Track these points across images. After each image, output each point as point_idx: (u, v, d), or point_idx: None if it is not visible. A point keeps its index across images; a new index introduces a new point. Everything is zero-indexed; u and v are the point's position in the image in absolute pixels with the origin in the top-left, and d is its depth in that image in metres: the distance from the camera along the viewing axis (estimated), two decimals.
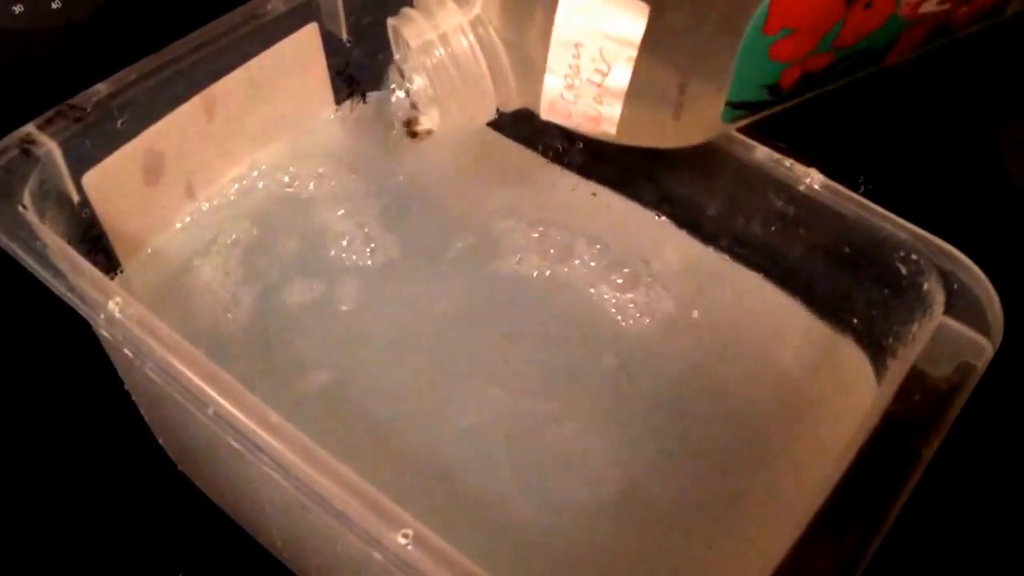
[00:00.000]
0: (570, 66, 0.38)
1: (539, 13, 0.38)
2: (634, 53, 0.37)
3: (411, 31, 0.42)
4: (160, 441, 0.49)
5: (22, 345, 0.53)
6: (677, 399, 0.45)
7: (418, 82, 0.44)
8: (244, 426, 0.32)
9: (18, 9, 0.54)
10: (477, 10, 0.41)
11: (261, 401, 0.33)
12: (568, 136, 0.52)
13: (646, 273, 0.50)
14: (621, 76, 0.38)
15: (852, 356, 0.46)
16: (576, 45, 0.37)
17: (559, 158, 0.54)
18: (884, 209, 0.43)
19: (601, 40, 0.37)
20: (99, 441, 0.51)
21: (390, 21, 0.44)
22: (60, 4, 0.56)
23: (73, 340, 0.44)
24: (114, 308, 0.35)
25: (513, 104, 0.44)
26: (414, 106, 0.45)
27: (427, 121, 0.45)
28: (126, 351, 0.35)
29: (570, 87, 0.39)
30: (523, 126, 0.53)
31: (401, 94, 0.45)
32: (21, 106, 0.42)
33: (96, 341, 0.42)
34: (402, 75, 0.45)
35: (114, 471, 0.50)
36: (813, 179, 0.44)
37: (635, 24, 0.36)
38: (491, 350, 0.46)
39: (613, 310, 0.49)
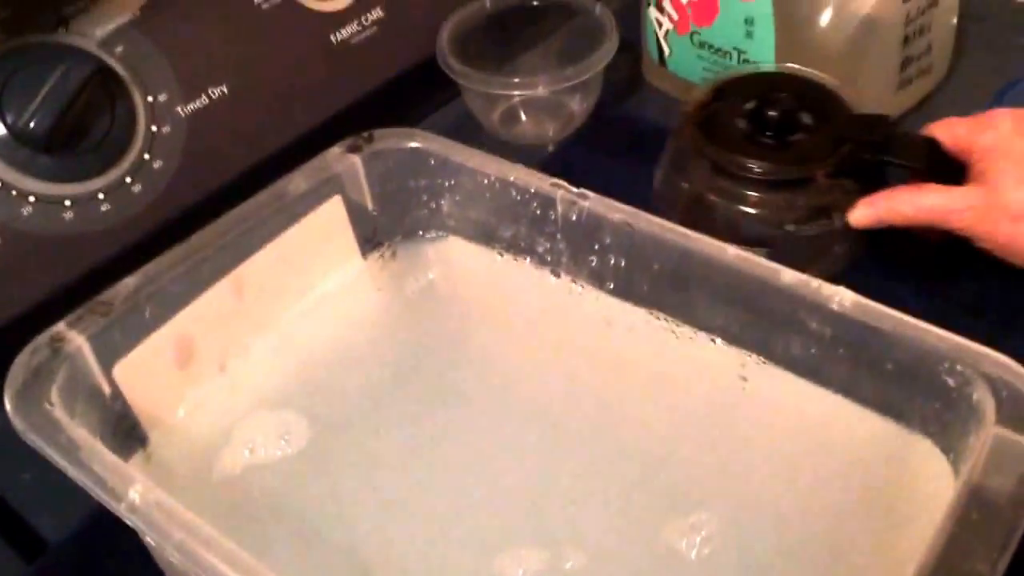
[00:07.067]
0: None
1: None
2: None
3: None
4: None
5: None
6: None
7: None
8: None
9: (68, 216, 0.56)
10: None
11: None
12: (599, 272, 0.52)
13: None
14: None
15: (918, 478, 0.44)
16: None
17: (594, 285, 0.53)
18: (920, 320, 0.41)
19: None
20: None
21: None
22: (109, 206, 0.58)
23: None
24: (134, 496, 0.35)
25: None
26: None
27: None
28: (147, 539, 0.35)
29: None
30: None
31: None
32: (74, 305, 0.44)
33: None
34: None
35: None
36: (843, 297, 0.43)
37: None
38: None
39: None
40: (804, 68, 0.59)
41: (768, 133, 0.54)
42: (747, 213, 0.54)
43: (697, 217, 0.48)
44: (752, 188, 0.53)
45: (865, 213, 0.51)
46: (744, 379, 0.49)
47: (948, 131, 0.52)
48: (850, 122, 0.53)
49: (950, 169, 0.52)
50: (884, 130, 0.53)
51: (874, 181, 0.53)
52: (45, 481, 0.49)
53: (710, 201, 0.55)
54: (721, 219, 0.50)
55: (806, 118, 0.54)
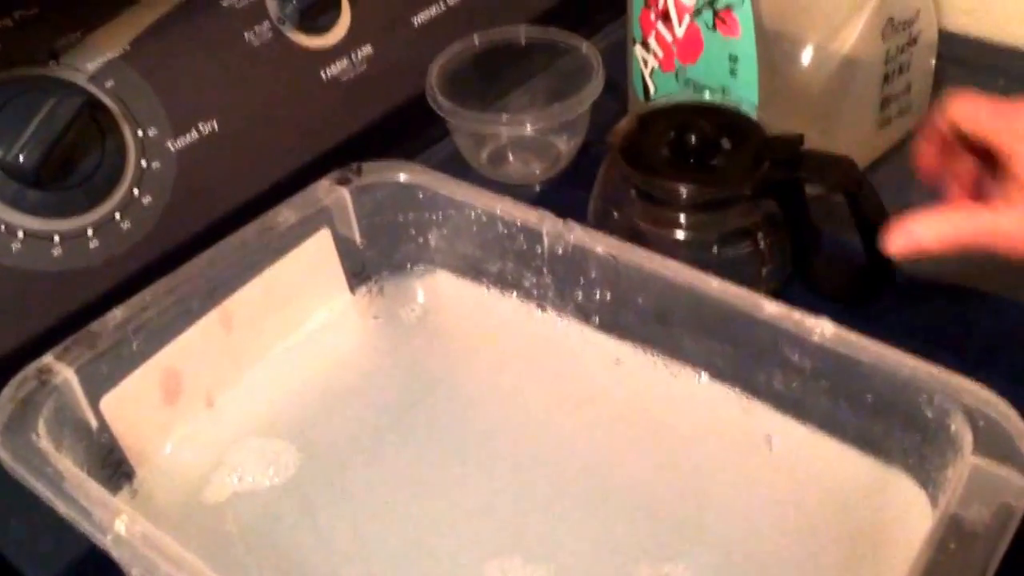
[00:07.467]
0: None
1: None
2: None
3: None
4: None
5: None
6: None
7: None
8: None
9: (56, 252, 0.57)
10: None
11: None
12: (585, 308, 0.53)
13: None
14: None
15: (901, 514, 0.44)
16: None
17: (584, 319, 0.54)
18: (900, 351, 0.42)
19: None
20: None
21: None
22: (98, 243, 0.58)
23: None
24: (120, 527, 0.35)
25: None
26: None
27: None
28: (133, 572, 0.35)
29: None
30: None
31: None
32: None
33: None
34: None
35: None
36: (824, 329, 0.43)
37: None
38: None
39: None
40: (722, 98, 0.62)
41: (690, 159, 0.56)
42: (676, 238, 0.56)
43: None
44: (678, 212, 0.55)
45: (902, 241, 0.46)
46: (729, 416, 0.49)
47: (971, 114, 0.46)
48: (766, 143, 0.55)
49: (866, 189, 0.53)
50: (798, 149, 0.55)
51: (793, 201, 0.55)
52: (33, 525, 0.49)
53: (641, 229, 0.56)
54: (651, 247, 0.51)
55: (725, 143, 0.56)
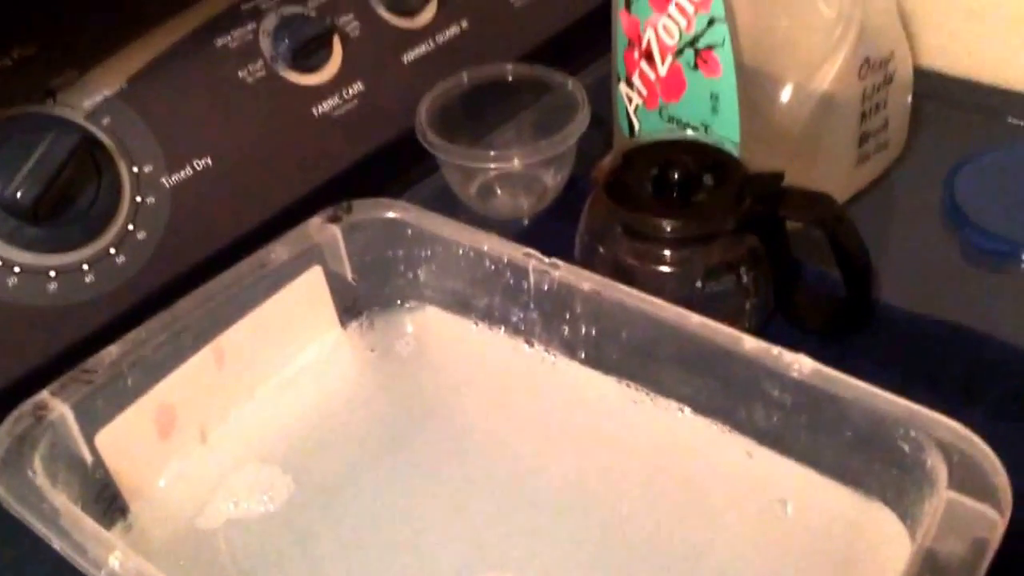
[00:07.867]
0: None
1: None
2: None
3: None
4: None
5: None
6: None
7: None
8: None
9: (52, 287, 0.57)
10: None
11: None
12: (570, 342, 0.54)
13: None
14: None
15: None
16: None
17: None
18: (877, 386, 0.43)
19: None
20: None
21: None
22: (93, 278, 0.59)
23: None
24: (115, 563, 0.36)
25: None
26: None
27: None
28: None
29: None
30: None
31: None
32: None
33: None
34: None
35: None
36: (802, 365, 0.45)
37: None
38: None
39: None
40: (705, 135, 0.63)
41: (674, 195, 0.57)
42: (660, 273, 0.57)
43: (616, 282, 0.51)
44: (662, 247, 0.56)
45: None
46: (709, 449, 0.50)
47: None
48: (747, 180, 0.57)
49: (846, 224, 0.54)
50: (779, 185, 0.56)
51: (775, 236, 0.57)
52: (28, 561, 0.49)
53: (626, 264, 0.58)
54: (637, 282, 0.52)
55: (707, 179, 0.57)
